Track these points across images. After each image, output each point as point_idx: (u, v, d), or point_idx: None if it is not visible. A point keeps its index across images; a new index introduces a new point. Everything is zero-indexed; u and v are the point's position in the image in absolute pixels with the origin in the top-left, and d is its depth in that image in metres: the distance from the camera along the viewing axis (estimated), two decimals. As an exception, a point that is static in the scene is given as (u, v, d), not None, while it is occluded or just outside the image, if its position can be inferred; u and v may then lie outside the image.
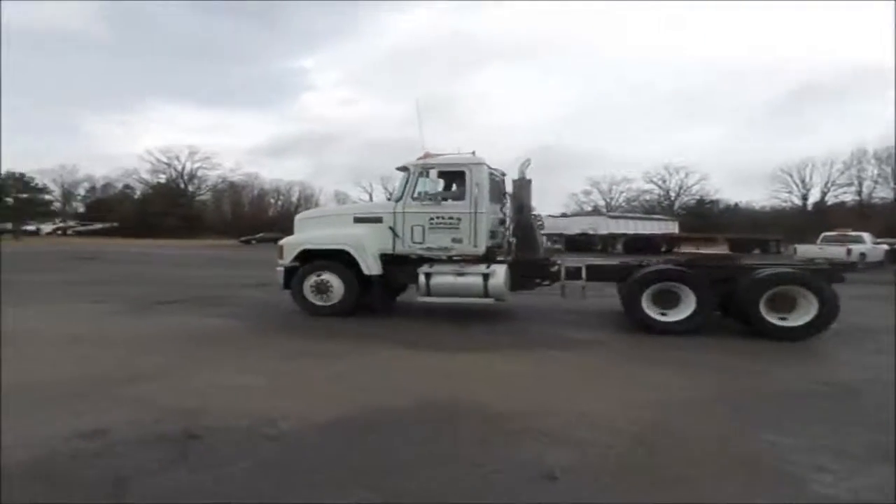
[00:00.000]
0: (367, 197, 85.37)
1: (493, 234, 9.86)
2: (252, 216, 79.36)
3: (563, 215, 53.49)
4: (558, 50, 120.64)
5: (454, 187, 10.01)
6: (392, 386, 5.63)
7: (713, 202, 75.50)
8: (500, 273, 9.26)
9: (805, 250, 24.67)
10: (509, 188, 10.55)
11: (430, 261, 9.64)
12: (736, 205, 75.05)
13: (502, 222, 10.34)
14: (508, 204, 10.50)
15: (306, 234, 10.29)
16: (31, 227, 60.77)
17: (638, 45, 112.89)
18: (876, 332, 8.86)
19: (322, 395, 5.24)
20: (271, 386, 5.56)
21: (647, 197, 79.28)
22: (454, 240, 9.48)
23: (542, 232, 11.03)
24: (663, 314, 8.56)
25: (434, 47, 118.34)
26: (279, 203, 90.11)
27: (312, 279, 9.80)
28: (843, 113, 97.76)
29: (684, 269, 8.70)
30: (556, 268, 9.80)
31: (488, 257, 9.65)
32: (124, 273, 18.94)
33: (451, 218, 9.47)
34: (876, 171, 66.36)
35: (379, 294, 9.97)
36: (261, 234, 62.99)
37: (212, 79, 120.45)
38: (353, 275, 9.69)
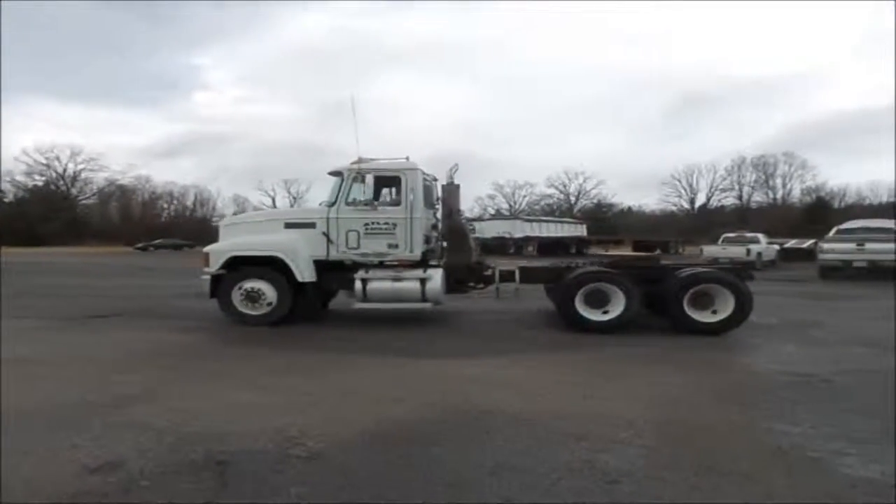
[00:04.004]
0: (268, 201, 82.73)
1: (426, 239, 9.94)
2: (142, 221, 74.64)
3: (466, 218, 54.15)
4: (463, 55, 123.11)
5: (389, 192, 10.00)
6: (404, 396, 5.45)
7: (609, 206, 79.96)
8: (437, 277, 9.40)
9: (710, 251, 26.84)
10: (439, 193, 10.65)
11: (365, 266, 9.56)
12: (629, 208, 79.98)
13: (435, 227, 10.47)
14: (440, 208, 10.64)
15: (233, 241, 9.91)
16: None
17: (541, 51, 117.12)
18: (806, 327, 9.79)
19: (334, 410, 5.00)
20: (273, 403, 5.20)
21: (549, 201, 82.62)
22: (390, 245, 9.47)
23: (474, 236, 11.23)
24: (604, 313, 8.94)
25: (337, 48, 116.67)
26: (172, 207, 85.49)
27: (243, 287, 9.44)
28: (724, 121, 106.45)
29: (616, 271, 9.24)
30: (489, 271, 10.11)
31: (423, 262, 9.72)
32: (24, 285, 17.10)
33: (386, 223, 9.46)
34: (753, 178, 73.14)
35: (312, 301, 9.85)
36: (159, 241, 59.38)
37: (94, 74, 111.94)
38: (285, 282, 9.44)
